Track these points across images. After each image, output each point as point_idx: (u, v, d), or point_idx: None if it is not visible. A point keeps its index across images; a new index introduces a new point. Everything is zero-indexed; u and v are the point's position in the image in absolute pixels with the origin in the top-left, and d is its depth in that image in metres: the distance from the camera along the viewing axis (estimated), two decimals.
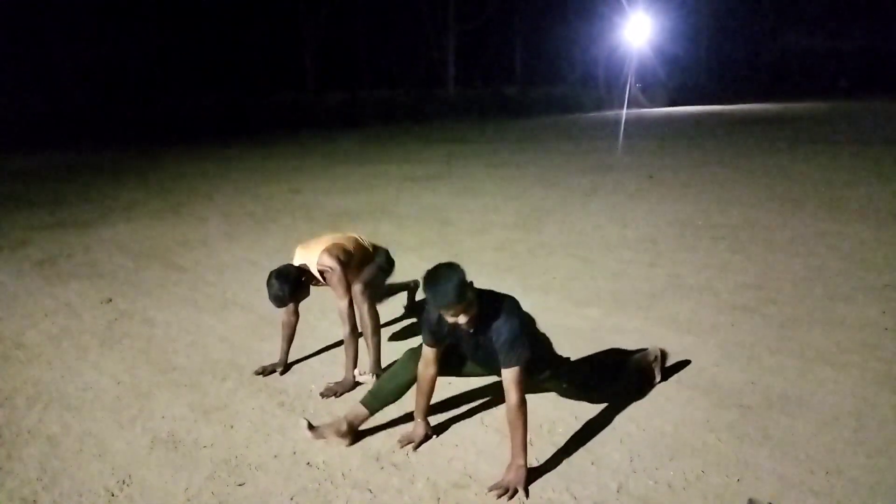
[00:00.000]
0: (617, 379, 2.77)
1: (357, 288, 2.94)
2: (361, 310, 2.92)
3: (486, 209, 7.23)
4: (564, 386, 2.61)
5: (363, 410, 2.45)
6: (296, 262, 2.93)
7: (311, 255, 2.89)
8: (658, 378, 2.86)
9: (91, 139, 18.79)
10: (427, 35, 31.78)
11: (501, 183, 9.15)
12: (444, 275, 2.07)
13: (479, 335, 2.22)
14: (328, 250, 2.87)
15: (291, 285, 2.76)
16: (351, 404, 2.56)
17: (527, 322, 2.31)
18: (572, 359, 2.74)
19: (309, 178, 10.36)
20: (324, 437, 2.38)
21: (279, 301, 2.79)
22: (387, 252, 3.27)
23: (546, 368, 2.47)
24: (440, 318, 2.20)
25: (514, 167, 10.86)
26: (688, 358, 3.11)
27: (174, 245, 6.03)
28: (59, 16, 23.08)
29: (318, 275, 2.88)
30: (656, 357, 2.88)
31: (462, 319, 2.11)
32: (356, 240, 3.11)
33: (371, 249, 3.16)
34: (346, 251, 2.94)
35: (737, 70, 35.65)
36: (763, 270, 4.50)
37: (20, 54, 22.44)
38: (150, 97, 24.03)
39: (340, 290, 2.83)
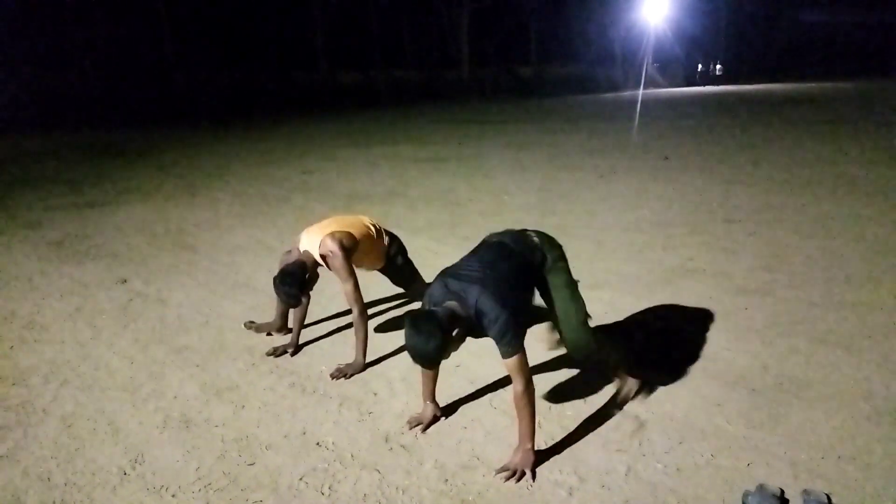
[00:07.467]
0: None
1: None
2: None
3: (498, 191, 7.17)
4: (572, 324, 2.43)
5: None
6: (301, 247, 2.95)
7: (314, 239, 2.90)
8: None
9: (105, 120, 18.91)
10: (440, 14, 31.40)
11: (515, 164, 9.07)
12: (421, 342, 2.00)
13: (475, 331, 2.18)
14: (331, 235, 2.88)
15: (300, 284, 2.81)
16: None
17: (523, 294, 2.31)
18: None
19: (321, 160, 10.35)
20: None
21: (294, 300, 2.85)
22: (398, 239, 3.26)
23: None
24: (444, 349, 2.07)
25: (528, 148, 10.75)
26: (699, 341, 3.08)
27: (188, 226, 6.08)
28: None
29: (320, 260, 2.89)
30: (630, 391, 2.61)
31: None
32: (364, 224, 3.10)
33: (381, 233, 3.15)
34: (350, 236, 2.93)
35: (755, 48, 34.86)
36: (777, 253, 4.43)
37: (35, 34, 22.53)
38: (163, 78, 24.09)
39: (343, 273, 2.84)
